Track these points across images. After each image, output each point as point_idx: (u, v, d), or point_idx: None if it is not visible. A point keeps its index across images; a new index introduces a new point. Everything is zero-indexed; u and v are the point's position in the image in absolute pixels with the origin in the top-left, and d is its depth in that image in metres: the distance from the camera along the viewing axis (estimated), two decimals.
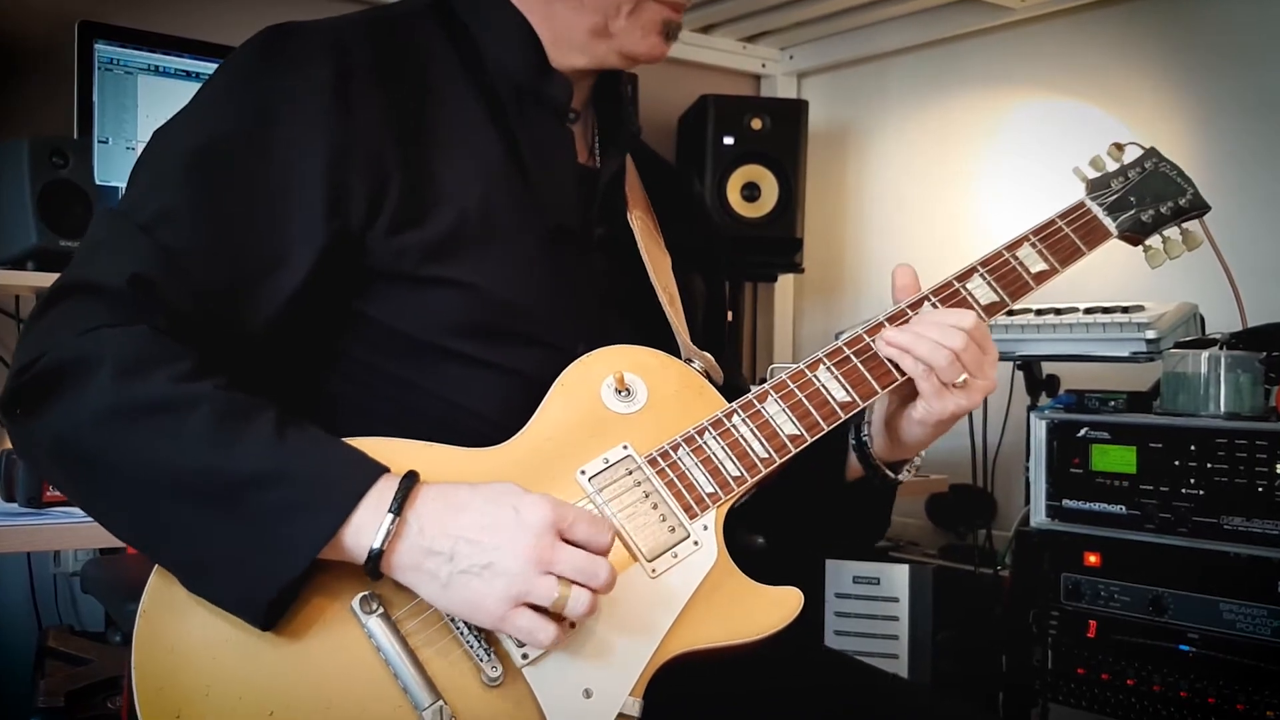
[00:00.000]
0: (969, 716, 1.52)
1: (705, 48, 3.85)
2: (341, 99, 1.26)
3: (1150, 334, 2.37)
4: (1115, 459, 2.30)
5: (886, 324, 1.39)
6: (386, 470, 1.15)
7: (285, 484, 1.12)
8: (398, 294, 1.29)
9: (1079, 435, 2.35)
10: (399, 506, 1.12)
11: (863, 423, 1.46)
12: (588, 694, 1.16)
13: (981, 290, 1.44)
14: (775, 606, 1.27)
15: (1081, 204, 1.54)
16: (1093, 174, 1.58)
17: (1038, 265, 1.46)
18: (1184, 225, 1.61)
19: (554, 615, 1.12)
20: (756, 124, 3.48)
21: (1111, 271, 3.05)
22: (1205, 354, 2.25)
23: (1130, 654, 2.24)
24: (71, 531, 2.14)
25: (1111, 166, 1.58)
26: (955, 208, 3.55)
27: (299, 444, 1.15)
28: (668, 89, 3.66)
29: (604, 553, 1.14)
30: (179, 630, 1.14)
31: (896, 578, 2.84)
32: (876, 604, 2.85)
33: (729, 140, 3.46)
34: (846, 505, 1.54)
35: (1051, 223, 1.50)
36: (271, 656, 1.13)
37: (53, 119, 2.67)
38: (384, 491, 1.13)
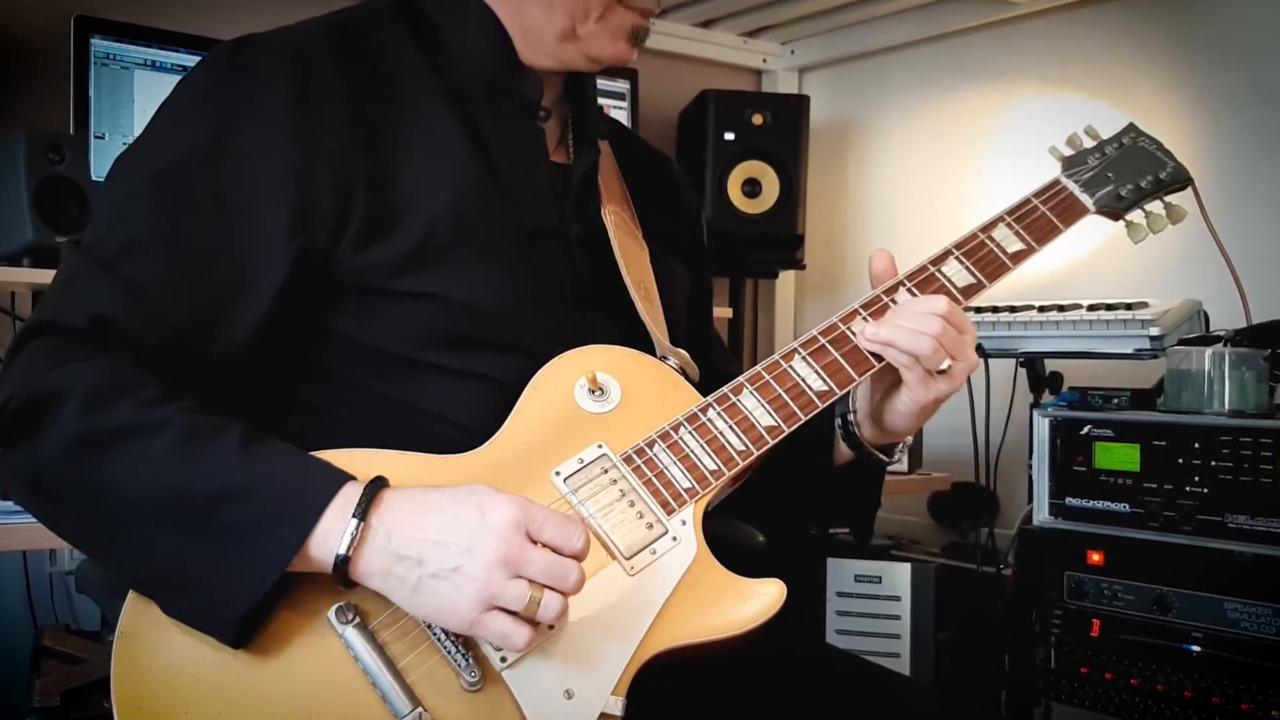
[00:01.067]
0: (972, 715, 1.51)
1: (706, 42, 3.84)
2: (303, 114, 1.25)
3: (1154, 331, 2.36)
4: (1119, 457, 2.28)
5: (861, 311, 1.40)
6: (351, 478, 1.15)
7: (250, 498, 1.12)
8: (370, 308, 1.28)
9: (1082, 433, 2.34)
10: (363, 512, 1.12)
11: (847, 409, 1.46)
12: (569, 695, 1.16)
13: (957, 273, 1.43)
14: (756, 598, 1.25)
15: (1057, 181, 1.53)
16: (1069, 152, 1.56)
17: (1014, 245, 1.45)
18: (1167, 199, 1.59)
19: (527, 618, 1.11)
20: (757, 119, 3.46)
21: (1115, 268, 3.05)
22: (1209, 351, 2.24)
23: (1134, 653, 2.23)
24: None
25: (1088, 144, 1.57)
26: (957, 203, 3.54)
27: (264, 459, 1.15)
28: (669, 84, 3.65)
29: (577, 555, 1.13)
30: (157, 650, 1.14)
31: (898, 576, 2.83)
32: (878, 603, 2.83)
33: (730, 136, 3.45)
34: (838, 488, 1.53)
35: (1027, 201, 1.50)
36: (250, 673, 1.13)
37: (49, 114, 2.66)
38: (349, 498, 1.13)
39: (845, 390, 1.36)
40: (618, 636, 1.19)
